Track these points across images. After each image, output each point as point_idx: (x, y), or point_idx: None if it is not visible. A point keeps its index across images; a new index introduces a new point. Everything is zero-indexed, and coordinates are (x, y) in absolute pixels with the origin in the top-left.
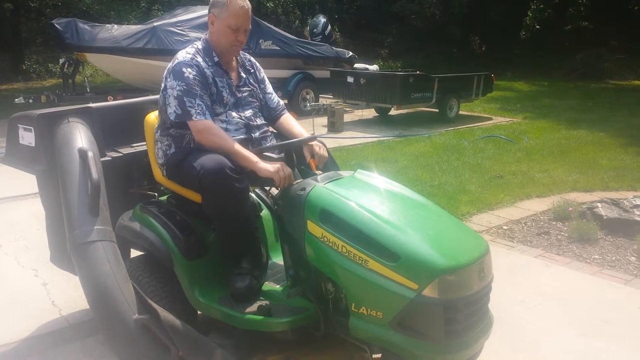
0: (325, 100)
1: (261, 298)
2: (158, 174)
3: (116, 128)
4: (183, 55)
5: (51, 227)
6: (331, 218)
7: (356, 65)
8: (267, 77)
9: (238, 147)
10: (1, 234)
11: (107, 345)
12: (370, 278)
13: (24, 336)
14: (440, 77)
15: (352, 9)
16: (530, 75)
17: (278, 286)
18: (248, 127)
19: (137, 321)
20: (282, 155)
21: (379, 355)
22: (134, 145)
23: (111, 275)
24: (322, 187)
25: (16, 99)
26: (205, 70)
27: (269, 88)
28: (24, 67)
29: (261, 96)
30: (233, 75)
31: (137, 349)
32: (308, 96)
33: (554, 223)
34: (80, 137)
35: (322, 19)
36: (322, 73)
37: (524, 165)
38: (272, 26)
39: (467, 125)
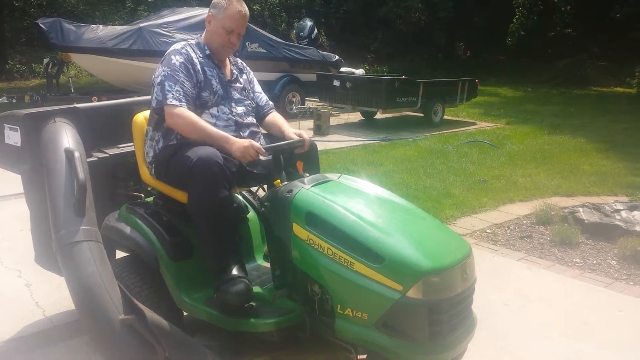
0: (312, 103)
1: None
2: (145, 173)
3: (103, 129)
4: (174, 46)
5: (36, 227)
6: (317, 221)
7: (342, 69)
8: None
9: (210, 129)
10: None
11: (91, 347)
12: (356, 280)
13: (7, 337)
14: (426, 82)
15: (338, 13)
16: (514, 81)
17: (264, 288)
18: (237, 125)
19: (123, 321)
20: (270, 157)
21: (365, 356)
22: (121, 146)
23: (97, 276)
24: (308, 190)
25: None
26: (194, 59)
27: (258, 87)
28: (7, 66)
29: (251, 95)
30: (225, 71)
31: (123, 350)
32: (294, 99)
33: (537, 227)
34: (66, 137)
35: (309, 23)
36: (309, 76)
37: (507, 170)
38: (258, 29)
39: (451, 130)
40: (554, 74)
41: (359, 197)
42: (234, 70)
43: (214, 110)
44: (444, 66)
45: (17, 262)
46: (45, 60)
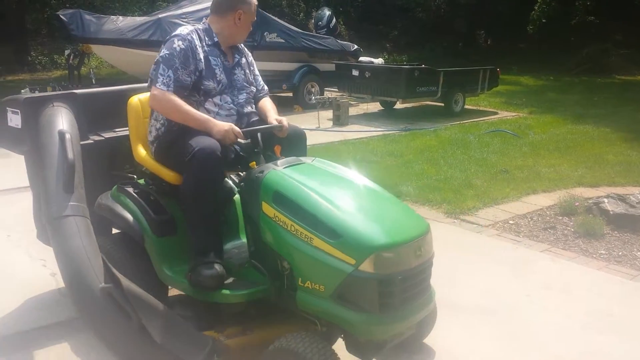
0: (331, 93)
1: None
2: (140, 153)
3: (100, 113)
4: (180, 30)
5: (37, 205)
6: (283, 199)
7: (361, 59)
8: (272, 70)
9: (193, 112)
10: (10, 225)
11: (77, 313)
12: (314, 254)
13: (35, 326)
14: (446, 71)
15: (357, 2)
16: (536, 69)
17: (242, 264)
18: (239, 115)
19: (103, 290)
20: (249, 140)
21: None
22: (117, 130)
23: (81, 248)
24: (277, 171)
25: (22, 90)
26: (198, 48)
27: (257, 70)
28: (29, 58)
29: (251, 78)
30: (228, 57)
31: (103, 315)
32: (313, 89)
33: (560, 218)
34: (61, 120)
35: (327, 12)
36: (327, 66)
37: (529, 160)
38: (276, 19)
39: (472, 120)
40: (577, 62)
41: (325, 178)
42: (236, 55)
43: (217, 99)
44: (465, 55)
45: (42, 252)
46: (67, 52)
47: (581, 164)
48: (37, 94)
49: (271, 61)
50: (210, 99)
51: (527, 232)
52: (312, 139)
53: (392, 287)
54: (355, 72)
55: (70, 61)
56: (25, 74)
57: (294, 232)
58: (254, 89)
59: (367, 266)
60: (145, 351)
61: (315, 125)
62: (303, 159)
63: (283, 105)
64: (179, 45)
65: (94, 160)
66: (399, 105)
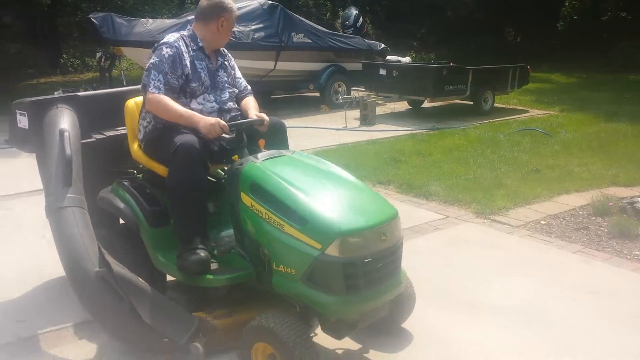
0: (357, 93)
1: (213, 261)
2: (135, 150)
3: (102, 114)
4: (168, 37)
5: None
6: (258, 190)
7: (388, 58)
8: (299, 70)
9: (182, 111)
10: (46, 224)
11: (75, 296)
12: (285, 240)
13: (71, 322)
14: (475, 69)
15: (383, 0)
16: (567, 66)
17: (226, 250)
18: (220, 112)
19: (97, 273)
20: (233, 135)
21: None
22: (118, 129)
23: (78, 236)
24: (254, 163)
25: (55, 92)
26: (184, 54)
27: (238, 73)
28: (61, 60)
29: (233, 80)
30: (212, 60)
31: (98, 298)
32: (340, 89)
33: (593, 218)
34: (63, 120)
35: (354, 11)
36: (354, 65)
37: (561, 159)
38: (303, 19)
39: (502, 118)
40: (609, 59)
41: (300, 170)
42: (219, 58)
43: (200, 99)
44: (493, 52)
45: None
46: (98, 54)
47: (614, 162)
48: (42, 97)
49: (298, 61)
50: (194, 99)
51: (559, 232)
52: (339, 139)
53: (357, 270)
54: (382, 71)
55: (102, 63)
56: (57, 76)
57: (268, 220)
58: (236, 90)
59: (332, 250)
60: (136, 331)
61: (342, 125)
62: (284, 152)
63: (310, 105)
64: (167, 52)
65: (97, 157)
66: (426, 104)
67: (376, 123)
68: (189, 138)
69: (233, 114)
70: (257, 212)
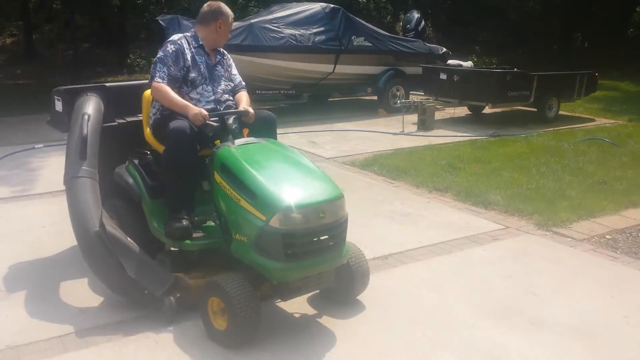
0: (416, 97)
1: (197, 231)
2: (146, 134)
3: (125, 102)
4: (173, 37)
5: None
6: (225, 170)
7: (449, 62)
8: (358, 73)
9: (177, 100)
10: None
11: (80, 251)
12: (240, 212)
13: (116, 320)
14: (540, 75)
15: (446, 4)
16: (637, 74)
17: (204, 220)
18: (217, 102)
19: (95, 232)
20: (218, 124)
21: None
22: (139, 115)
23: (86, 201)
24: (227, 147)
25: None
26: (186, 50)
27: (234, 70)
28: (128, 60)
29: (230, 75)
30: (212, 57)
31: (95, 253)
32: (398, 93)
33: None
34: (89, 106)
35: (416, 15)
36: (414, 69)
37: (629, 171)
38: (364, 22)
39: (567, 126)
40: None
41: (264, 154)
42: (217, 56)
43: (199, 89)
44: (559, 58)
45: None
46: None
47: None
48: (74, 86)
49: (357, 64)
50: (194, 90)
51: (626, 248)
52: (395, 144)
53: (295, 241)
54: (443, 76)
55: None
56: (124, 75)
57: (230, 195)
58: (231, 84)
59: (274, 222)
60: (123, 282)
61: (399, 130)
62: (260, 140)
63: (367, 109)
64: (171, 48)
65: (119, 138)
66: (487, 110)
67: (434, 128)
68: (181, 123)
69: (228, 104)
70: (224, 188)
